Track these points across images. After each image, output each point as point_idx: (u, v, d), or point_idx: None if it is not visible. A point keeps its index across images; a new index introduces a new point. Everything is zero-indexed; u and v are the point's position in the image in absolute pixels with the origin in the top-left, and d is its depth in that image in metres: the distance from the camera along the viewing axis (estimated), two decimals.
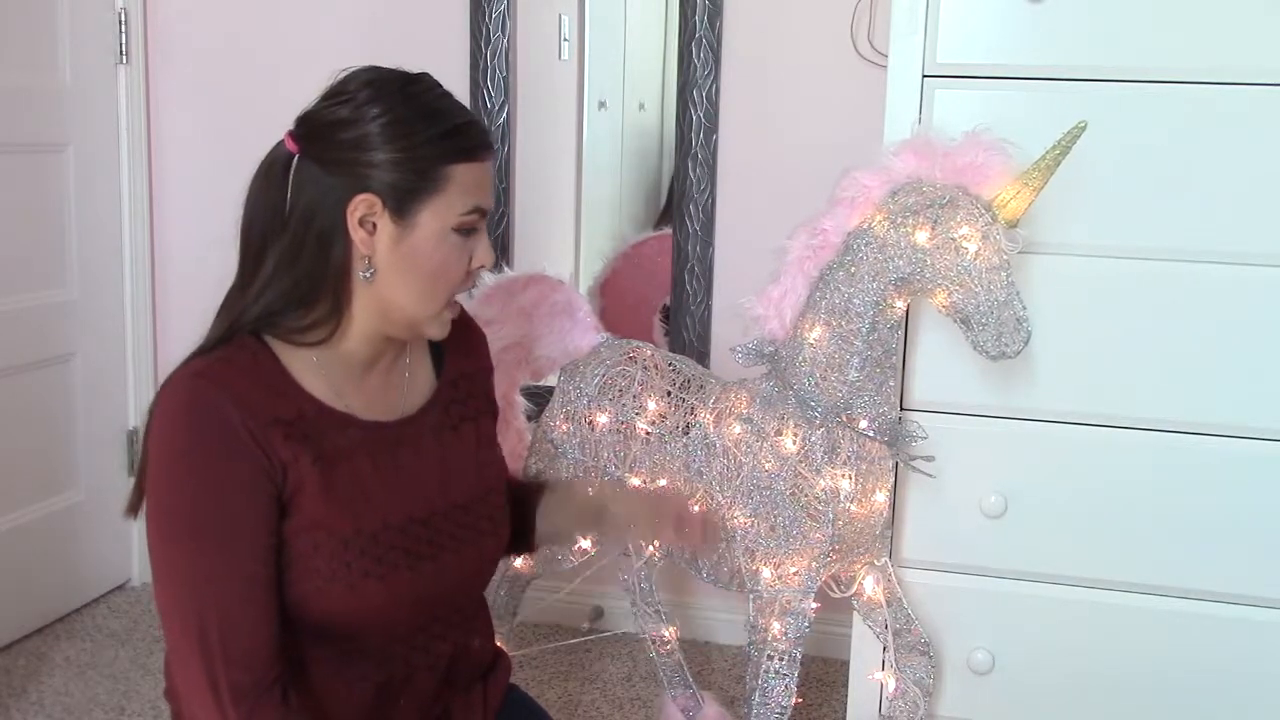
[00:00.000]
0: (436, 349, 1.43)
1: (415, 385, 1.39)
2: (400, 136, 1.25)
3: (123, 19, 2.73)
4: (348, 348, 1.31)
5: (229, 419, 1.20)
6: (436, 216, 1.26)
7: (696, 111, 2.51)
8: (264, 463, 1.22)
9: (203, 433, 1.21)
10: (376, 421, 1.32)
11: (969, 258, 1.58)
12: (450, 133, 1.26)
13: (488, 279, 2.00)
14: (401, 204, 1.25)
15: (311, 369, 1.29)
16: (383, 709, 1.35)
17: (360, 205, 1.26)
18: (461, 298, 1.38)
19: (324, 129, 1.27)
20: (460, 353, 1.45)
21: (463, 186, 1.27)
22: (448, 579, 1.35)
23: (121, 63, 2.75)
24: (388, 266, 1.28)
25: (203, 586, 1.19)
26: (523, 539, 1.55)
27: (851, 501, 1.71)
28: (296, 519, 1.24)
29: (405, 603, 1.30)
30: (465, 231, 1.29)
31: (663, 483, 1.83)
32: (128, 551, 2.90)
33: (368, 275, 1.28)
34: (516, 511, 1.52)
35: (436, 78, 1.32)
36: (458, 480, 1.38)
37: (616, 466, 1.89)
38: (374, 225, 1.26)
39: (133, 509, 1.31)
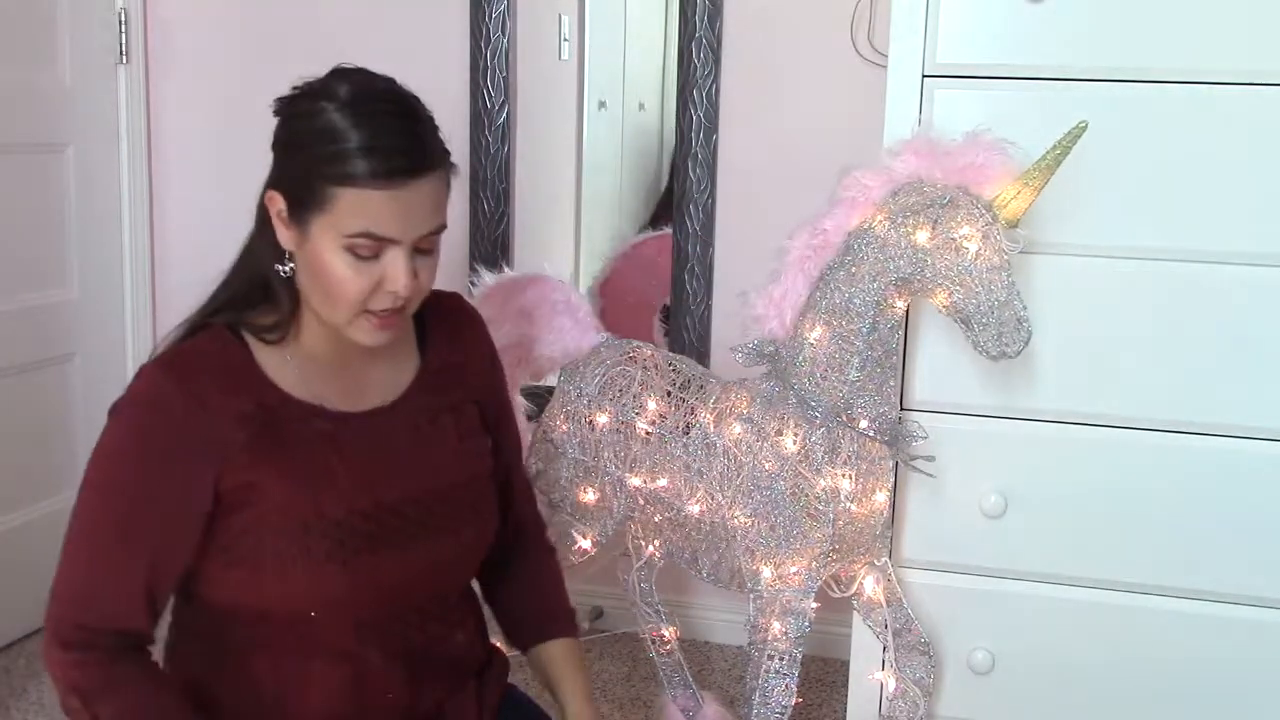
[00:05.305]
0: (424, 336, 1.43)
1: (398, 375, 1.39)
2: (309, 145, 1.22)
3: (123, 19, 2.73)
4: (310, 344, 1.33)
5: (176, 413, 1.24)
6: (324, 233, 1.23)
7: (696, 111, 2.51)
8: (207, 458, 1.25)
9: (149, 420, 1.26)
10: (344, 412, 1.33)
11: (969, 258, 1.58)
12: (346, 155, 1.19)
13: (488, 279, 2.00)
14: (295, 212, 1.25)
15: (282, 364, 1.31)
16: (358, 702, 1.34)
17: (275, 199, 1.27)
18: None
19: (282, 111, 1.28)
20: (447, 343, 1.44)
21: (350, 211, 1.20)
22: (417, 566, 1.34)
23: (121, 63, 2.75)
24: (300, 265, 1.28)
25: (92, 537, 1.25)
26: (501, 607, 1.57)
27: (852, 501, 1.71)
28: (259, 506, 1.26)
29: (367, 588, 1.30)
30: (360, 255, 1.22)
31: (663, 482, 1.83)
32: None
33: (288, 269, 1.29)
34: (511, 609, 1.55)
35: (413, 91, 1.27)
36: (435, 468, 1.37)
37: (616, 467, 1.89)
38: (287, 222, 1.27)
39: None
